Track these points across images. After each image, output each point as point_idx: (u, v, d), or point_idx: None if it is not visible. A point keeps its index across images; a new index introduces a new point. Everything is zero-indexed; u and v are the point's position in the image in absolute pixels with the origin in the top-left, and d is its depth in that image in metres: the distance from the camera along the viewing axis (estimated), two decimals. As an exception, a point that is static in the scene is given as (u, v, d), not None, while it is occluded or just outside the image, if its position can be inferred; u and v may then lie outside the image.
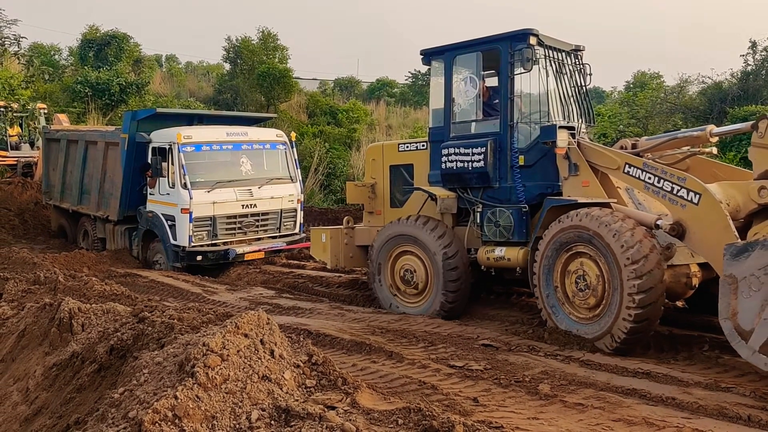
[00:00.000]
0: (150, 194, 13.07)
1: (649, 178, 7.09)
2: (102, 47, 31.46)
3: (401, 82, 44.46)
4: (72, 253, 14.04)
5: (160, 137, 12.81)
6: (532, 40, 8.07)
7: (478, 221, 8.57)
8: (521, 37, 8.11)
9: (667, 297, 7.12)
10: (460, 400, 5.36)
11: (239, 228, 12.83)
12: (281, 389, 4.19)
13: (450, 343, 7.23)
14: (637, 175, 7.24)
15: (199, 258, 12.31)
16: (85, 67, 29.28)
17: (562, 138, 7.72)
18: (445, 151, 8.74)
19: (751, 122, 6.71)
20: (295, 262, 13.47)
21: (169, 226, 12.50)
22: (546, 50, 8.40)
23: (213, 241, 12.54)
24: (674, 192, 6.84)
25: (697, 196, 6.63)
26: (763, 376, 6.03)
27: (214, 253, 12.43)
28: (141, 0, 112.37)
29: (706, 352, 6.85)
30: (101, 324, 5.74)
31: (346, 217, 10.67)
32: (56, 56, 36.80)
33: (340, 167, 23.32)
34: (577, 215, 7.18)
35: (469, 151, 8.45)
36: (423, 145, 9.40)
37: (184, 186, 12.19)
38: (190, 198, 12.15)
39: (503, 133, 8.29)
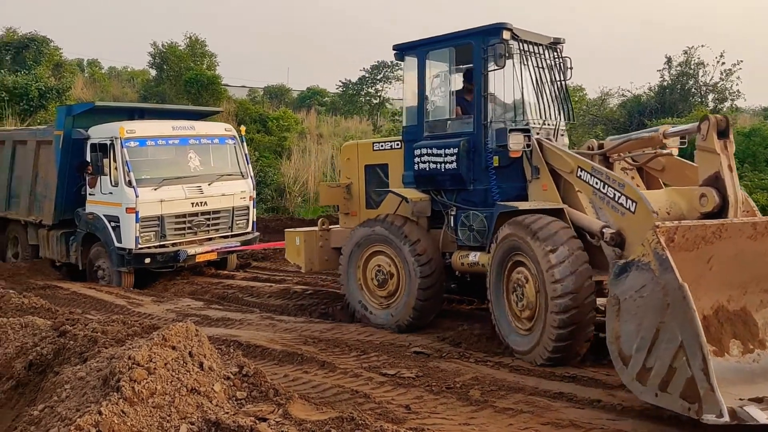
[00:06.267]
0: (90, 194, 12.25)
1: (596, 183, 6.83)
2: (20, 50, 30.23)
3: (332, 91, 44.43)
4: (-14, 265, 13.41)
5: (99, 132, 12.06)
6: (506, 35, 7.71)
7: (452, 225, 8.26)
8: (494, 31, 7.76)
9: None
10: (393, 408, 5.38)
11: (189, 228, 12.20)
12: (211, 402, 4.12)
13: (382, 351, 7.24)
14: (587, 180, 6.97)
15: (147, 261, 11.63)
16: (2, 71, 28.08)
17: (515, 141, 7.44)
18: (417, 152, 8.40)
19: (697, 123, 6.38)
20: (225, 272, 13.19)
21: (112, 227, 11.73)
22: (522, 45, 8.04)
23: (161, 243, 11.87)
24: (615, 198, 6.59)
25: (634, 203, 6.39)
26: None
27: (164, 255, 11.76)
28: (62, 3, 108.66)
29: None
30: (19, 339, 5.50)
31: (320, 219, 10.40)
32: (-30, 59, 35.14)
33: (270, 176, 23.08)
34: (501, 229, 7.09)
35: (441, 151, 8.12)
36: (397, 144, 9.05)
37: (129, 184, 11.44)
38: (136, 196, 11.43)
39: (477, 133, 7.93)
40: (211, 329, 8.22)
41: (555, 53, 8.54)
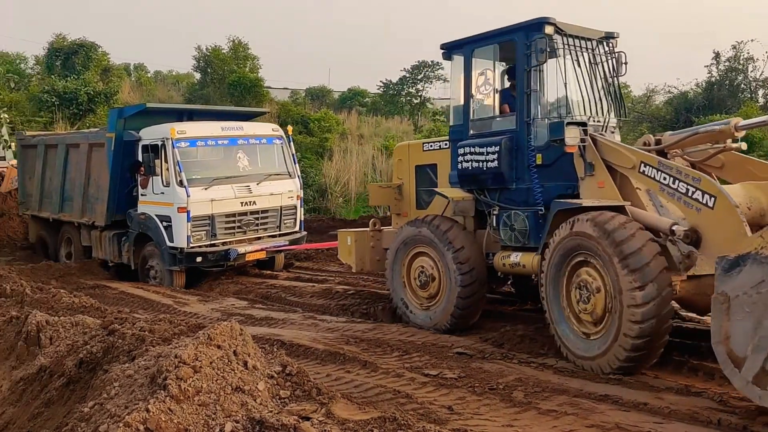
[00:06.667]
0: (142, 195, 12.40)
1: (665, 178, 6.43)
2: (69, 56, 31.05)
3: (373, 91, 44.55)
4: (39, 264, 13.78)
5: (151, 134, 12.20)
6: (548, 30, 7.51)
7: (495, 225, 8.08)
8: (536, 26, 7.56)
9: (692, 310, 6.51)
10: (435, 408, 5.36)
11: (239, 227, 12.25)
12: (255, 400, 4.16)
13: (424, 351, 7.23)
14: (652, 175, 6.58)
15: (198, 259, 11.73)
16: (52, 76, 28.87)
17: (572, 135, 7.10)
18: (461, 150, 8.28)
19: None
20: (268, 272, 13.33)
21: (164, 227, 11.83)
22: (567, 39, 7.76)
23: (212, 242, 11.94)
24: (689, 194, 6.17)
25: (712, 198, 5.97)
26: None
27: (214, 254, 11.84)
28: (109, 9, 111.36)
29: (676, 357, 6.92)
30: (70, 337, 5.64)
31: (372, 219, 10.39)
32: (22, 65, 36.23)
33: (312, 176, 23.27)
34: (578, 220, 6.62)
35: (484, 149, 7.97)
36: (446, 144, 8.94)
37: (180, 184, 11.52)
38: (188, 196, 11.49)
39: (520, 130, 7.77)
40: (255, 328, 8.31)
41: (607, 48, 8.21)
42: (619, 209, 6.72)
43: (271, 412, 4.07)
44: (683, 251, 6.35)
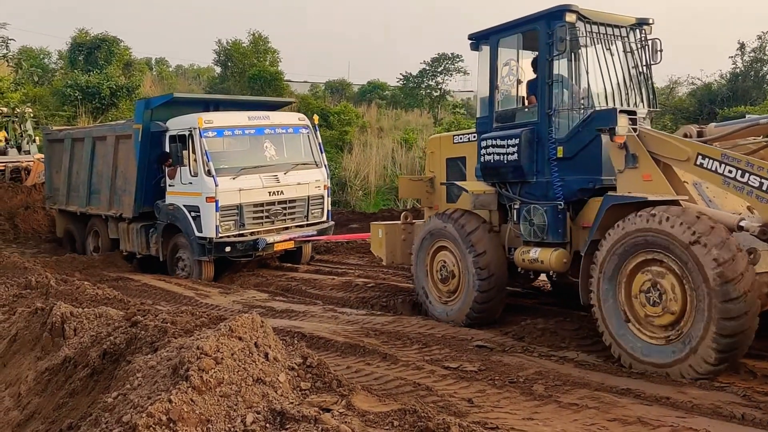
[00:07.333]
0: (170, 186, 12.42)
1: (730, 171, 6.03)
2: (92, 50, 31.37)
3: (392, 84, 44.48)
4: (63, 257, 13.96)
5: (178, 124, 12.23)
6: (570, 17, 7.27)
7: (516, 219, 7.94)
8: (557, 14, 7.34)
9: None
10: (455, 401, 5.36)
11: (267, 217, 12.26)
12: (276, 392, 4.18)
13: (444, 344, 7.22)
14: (714, 168, 6.17)
15: (227, 249, 11.74)
16: (75, 71, 29.18)
17: (623, 124, 6.71)
18: (483, 143, 8.18)
19: None
20: (288, 264, 13.38)
21: (192, 217, 11.85)
22: (593, 27, 7.53)
23: (240, 231, 11.97)
24: (763, 188, 5.83)
25: None
26: (756, 374, 6.04)
27: (243, 244, 11.87)
28: (131, 3, 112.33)
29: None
30: (94, 328, 5.70)
31: (404, 213, 10.35)
32: (46, 60, 36.65)
33: (332, 169, 23.34)
34: (653, 216, 6.08)
35: (504, 142, 7.85)
36: (474, 137, 8.76)
37: (208, 173, 11.57)
38: (216, 185, 11.52)
39: (541, 122, 7.61)
40: (276, 320, 8.36)
41: (640, 35, 7.92)
42: (676, 204, 6.31)
43: (291, 403, 4.09)
44: (745, 248, 5.98)
